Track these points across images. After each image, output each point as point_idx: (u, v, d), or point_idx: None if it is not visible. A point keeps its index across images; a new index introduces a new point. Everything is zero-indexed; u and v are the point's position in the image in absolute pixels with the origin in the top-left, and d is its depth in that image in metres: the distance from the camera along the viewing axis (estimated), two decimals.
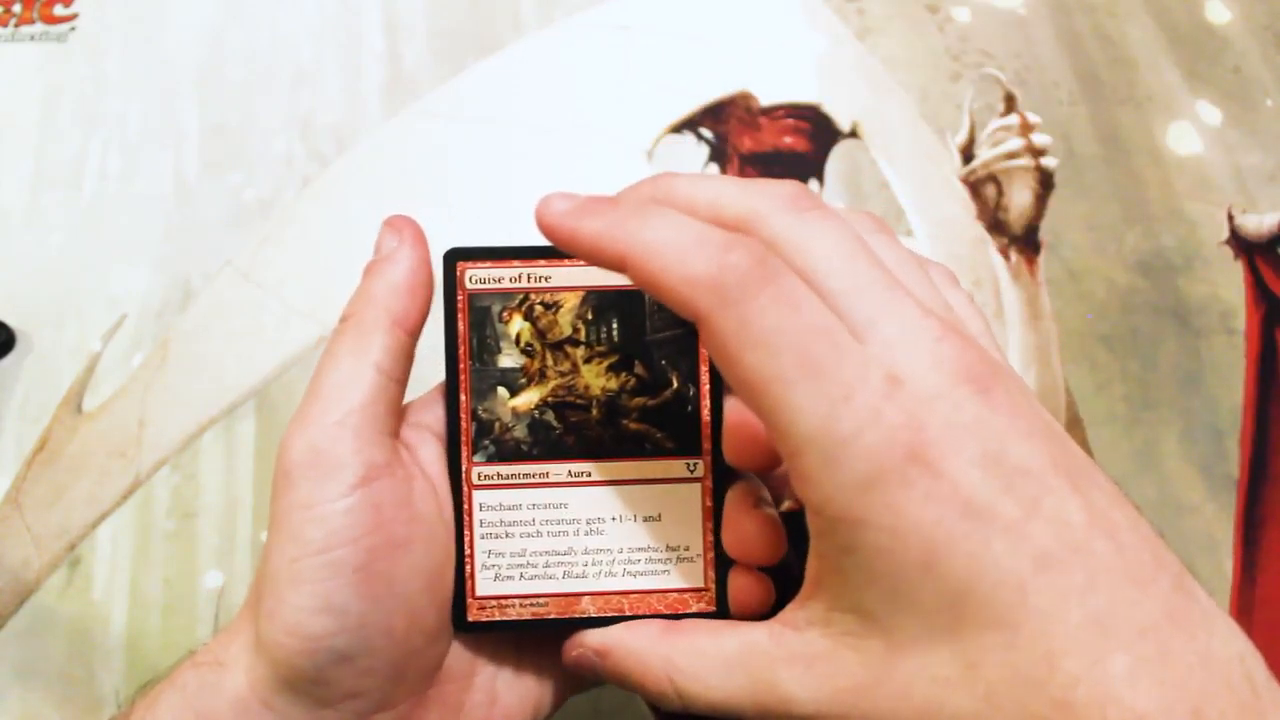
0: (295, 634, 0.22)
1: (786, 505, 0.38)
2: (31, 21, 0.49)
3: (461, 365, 0.26)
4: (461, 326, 0.26)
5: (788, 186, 0.22)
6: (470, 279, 0.26)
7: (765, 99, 0.46)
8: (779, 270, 0.20)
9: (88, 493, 0.39)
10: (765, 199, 0.22)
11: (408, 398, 0.26)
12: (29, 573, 0.38)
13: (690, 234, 0.20)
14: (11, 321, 0.42)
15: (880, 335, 0.20)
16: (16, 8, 0.49)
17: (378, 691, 0.24)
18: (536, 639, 0.27)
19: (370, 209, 0.44)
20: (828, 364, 0.20)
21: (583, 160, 0.45)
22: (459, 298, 0.26)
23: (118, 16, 0.49)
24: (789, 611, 0.23)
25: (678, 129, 0.46)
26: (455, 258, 0.26)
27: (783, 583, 0.26)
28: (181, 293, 0.43)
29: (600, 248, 0.21)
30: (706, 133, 0.46)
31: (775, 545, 0.25)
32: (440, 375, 0.27)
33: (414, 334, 0.25)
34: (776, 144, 0.45)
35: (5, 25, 0.49)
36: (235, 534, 0.39)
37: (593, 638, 0.25)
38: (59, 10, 0.49)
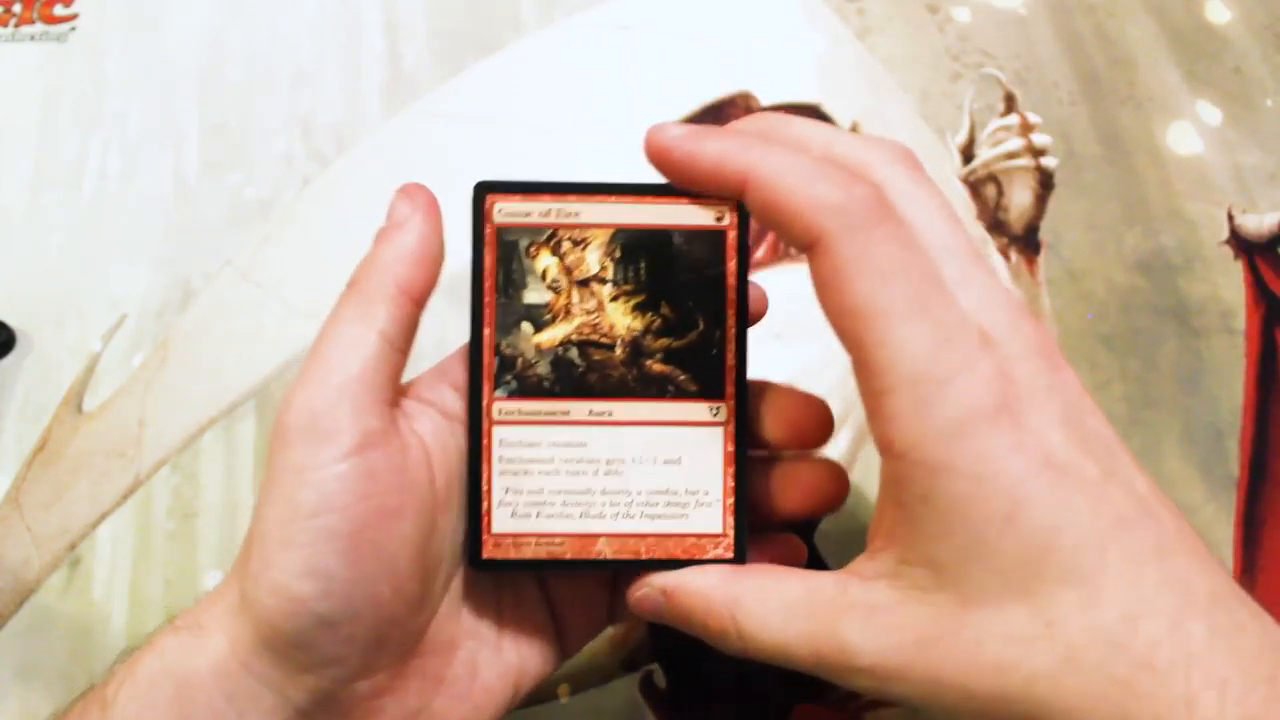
0: (280, 595, 0.22)
1: None
2: (31, 21, 0.49)
3: (486, 299, 0.25)
4: (488, 260, 0.25)
5: (899, 146, 0.24)
6: (499, 212, 0.25)
7: (765, 99, 0.46)
8: (896, 211, 0.21)
9: (88, 493, 0.39)
10: (878, 152, 0.23)
11: (407, 374, 0.26)
12: (29, 573, 0.38)
13: (816, 166, 0.21)
14: (11, 321, 0.42)
15: (970, 295, 0.21)
16: (16, 8, 0.49)
17: (358, 659, 0.23)
18: (518, 614, 0.27)
19: (370, 209, 0.44)
20: (934, 306, 0.20)
21: (583, 160, 0.45)
22: (486, 230, 0.25)
23: (118, 16, 0.49)
24: (858, 562, 0.23)
25: None
26: (485, 190, 0.25)
27: None
28: (181, 293, 0.43)
29: (723, 168, 0.22)
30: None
31: (826, 421, 0.25)
32: (440, 353, 0.27)
33: (420, 304, 0.25)
34: None
35: (5, 25, 0.49)
36: (235, 534, 0.39)
37: (660, 578, 0.25)
38: (59, 10, 0.49)
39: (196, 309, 0.43)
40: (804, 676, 0.35)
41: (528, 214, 0.25)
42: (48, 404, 0.41)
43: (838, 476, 0.26)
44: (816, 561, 0.37)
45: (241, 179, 0.45)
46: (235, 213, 0.45)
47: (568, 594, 0.28)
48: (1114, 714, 0.18)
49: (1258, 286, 0.43)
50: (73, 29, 0.49)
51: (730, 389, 0.25)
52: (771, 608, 0.23)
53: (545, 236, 0.25)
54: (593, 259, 0.25)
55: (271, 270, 0.43)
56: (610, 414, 0.25)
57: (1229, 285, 0.43)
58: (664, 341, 0.25)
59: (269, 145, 0.46)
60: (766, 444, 0.26)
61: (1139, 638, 0.19)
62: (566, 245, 0.25)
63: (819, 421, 0.26)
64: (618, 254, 0.25)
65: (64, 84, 0.47)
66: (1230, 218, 0.44)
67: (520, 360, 0.25)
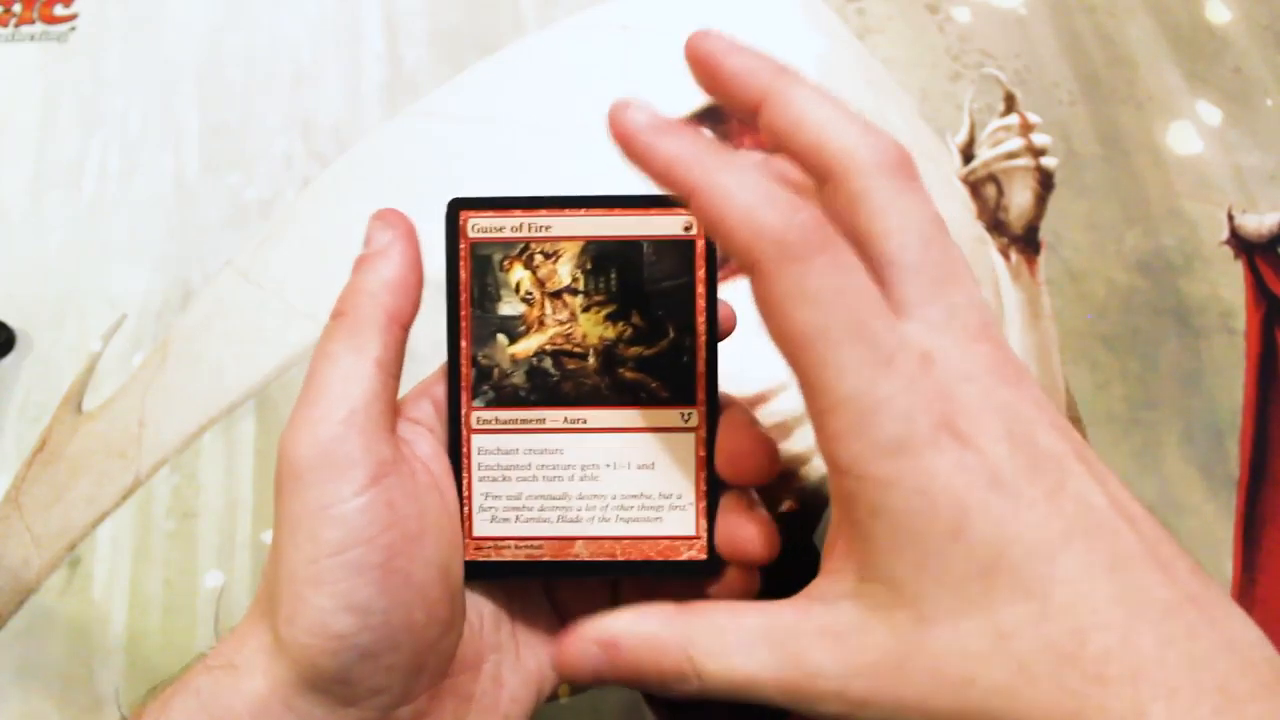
0: (320, 634, 0.22)
1: (787, 505, 0.38)
2: (31, 21, 0.49)
3: (463, 312, 0.26)
4: (463, 274, 0.26)
5: (894, 150, 0.22)
6: (473, 228, 0.26)
7: None
8: (836, 238, 0.21)
9: (88, 493, 0.39)
10: (871, 151, 0.22)
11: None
12: (29, 573, 0.38)
13: (762, 189, 0.21)
14: (11, 321, 0.42)
15: (926, 315, 0.21)
16: (16, 8, 0.49)
17: (399, 686, 0.24)
18: (530, 622, 0.28)
19: (370, 209, 0.44)
20: (872, 329, 0.20)
21: (583, 160, 0.45)
22: (461, 246, 0.26)
23: (118, 16, 0.49)
24: (816, 585, 0.23)
25: None
26: (458, 206, 0.26)
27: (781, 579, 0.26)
28: (181, 293, 0.43)
29: (673, 174, 0.22)
30: (706, 133, 0.46)
31: (769, 461, 0.25)
32: (422, 372, 0.27)
33: (407, 330, 0.25)
34: None
35: (5, 25, 0.49)
36: (235, 534, 0.39)
37: (594, 630, 0.23)
38: (59, 10, 0.49)
39: (196, 309, 0.43)
40: None
41: (500, 229, 0.26)
42: (48, 404, 0.41)
43: (764, 455, 0.26)
44: (815, 562, 0.37)
45: (241, 179, 0.45)
46: (235, 213, 0.45)
47: (571, 596, 0.29)
48: None
49: (1258, 286, 0.43)
50: (73, 29, 0.49)
51: (701, 395, 0.26)
52: (731, 642, 0.22)
53: (518, 250, 0.26)
54: (564, 271, 0.26)
55: (271, 270, 0.43)
56: (585, 421, 0.26)
57: (1229, 285, 0.43)
58: (636, 350, 0.26)
59: (269, 145, 0.46)
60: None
61: (1089, 650, 0.19)
62: (539, 258, 0.26)
63: (763, 464, 0.25)
64: (589, 265, 0.26)
65: (64, 84, 0.47)
66: (1230, 218, 0.44)
67: (496, 371, 0.26)
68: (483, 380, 0.26)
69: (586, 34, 0.48)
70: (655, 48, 0.48)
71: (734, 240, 0.21)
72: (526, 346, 0.26)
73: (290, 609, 0.23)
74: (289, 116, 0.47)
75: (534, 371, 0.26)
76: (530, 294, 0.26)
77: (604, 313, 0.26)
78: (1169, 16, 0.49)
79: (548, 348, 0.26)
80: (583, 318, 0.26)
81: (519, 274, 0.26)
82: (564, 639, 0.23)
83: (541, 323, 0.26)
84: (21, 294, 0.43)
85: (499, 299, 0.26)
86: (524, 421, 0.26)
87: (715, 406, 0.26)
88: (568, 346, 0.26)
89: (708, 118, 0.46)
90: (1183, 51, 0.48)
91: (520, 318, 0.26)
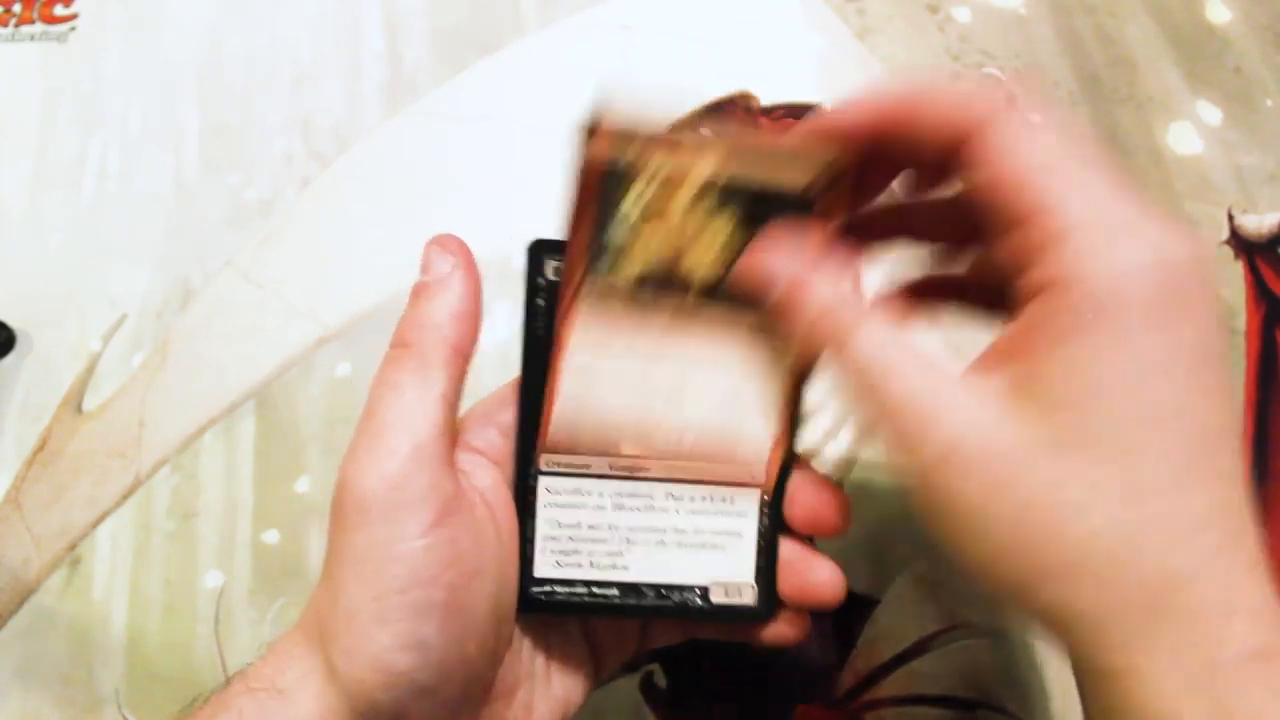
0: (380, 670, 0.22)
1: None
2: (31, 21, 0.49)
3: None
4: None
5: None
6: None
7: (765, 99, 0.46)
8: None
9: (88, 493, 0.39)
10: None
11: None
12: (29, 573, 0.38)
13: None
14: (11, 321, 0.42)
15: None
16: (16, 8, 0.49)
17: (448, 717, 0.24)
18: (563, 650, 0.28)
19: (370, 209, 0.44)
20: (1102, 169, 0.21)
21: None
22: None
23: (118, 16, 0.49)
24: (968, 370, 0.22)
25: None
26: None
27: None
28: (181, 293, 0.43)
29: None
30: (707, 133, 0.46)
31: (845, 515, 0.26)
32: (496, 356, 0.27)
33: (469, 361, 0.25)
34: None
35: (5, 25, 0.49)
36: (235, 534, 0.39)
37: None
38: (59, 10, 0.49)
39: (196, 309, 0.43)
40: (804, 676, 0.35)
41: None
42: (48, 404, 0.41)
43: (840, 507, 0.26)
44: None
45: (241, 179, 0.45)
46: (235, 213, 0.45)
47: (604, 627, 0.29)
48: (1149, 611, 0.19)
49: (1258, 286, 0.43)
50: (73, 29, 0.49)
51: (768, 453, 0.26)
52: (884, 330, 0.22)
53: None
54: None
55: (271, 270, 0.43)
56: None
57: (1229, 285, 0.43)
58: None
59: (269, 145, 0.46)
60: (785, 524, 0.27)
61: (1199, 546, 0.19)
62: None
63: (839, 518, 0.26)
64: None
65: (64, 84, 0.47)
66: (1230, 218, 0.44)
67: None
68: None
69: (586, 34, 0.48)
70: (655, 48, 0.48)
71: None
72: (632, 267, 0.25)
73: (350, 643, 0.22)
74: (289, 116, 0.47)
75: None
76: None
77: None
78: (1169, 16, 0.49)
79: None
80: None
81: None
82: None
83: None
84: (21, 294, 0.43)
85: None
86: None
87: (788, 459, 0.26)
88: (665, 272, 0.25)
89: (708, 116, 0.46)
90: (1183, 51, 0.48)
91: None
